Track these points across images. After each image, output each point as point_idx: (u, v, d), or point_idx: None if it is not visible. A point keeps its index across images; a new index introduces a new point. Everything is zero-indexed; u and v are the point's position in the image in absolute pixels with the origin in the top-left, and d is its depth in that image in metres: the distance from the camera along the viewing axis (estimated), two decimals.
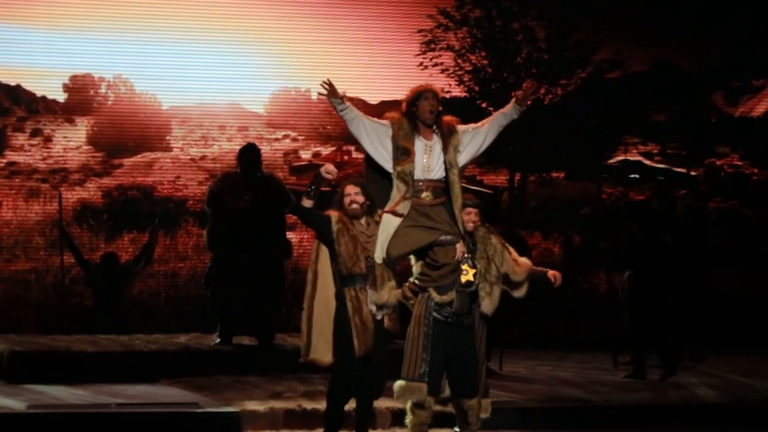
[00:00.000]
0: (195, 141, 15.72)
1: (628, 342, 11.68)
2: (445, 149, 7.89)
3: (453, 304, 7.74)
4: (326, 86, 7.90)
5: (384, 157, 7.94)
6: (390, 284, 7.77)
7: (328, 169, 7.78)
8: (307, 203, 7.79)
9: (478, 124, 8.05)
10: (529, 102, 8.02)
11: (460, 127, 8.00)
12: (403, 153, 7.85)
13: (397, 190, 7.87)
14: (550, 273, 8.08)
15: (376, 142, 7.94)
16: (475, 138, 8.00)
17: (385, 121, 7.97)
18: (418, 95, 7.91)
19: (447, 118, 7.99)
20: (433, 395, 7.76)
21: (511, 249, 8.00)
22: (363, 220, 7.87)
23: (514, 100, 8.02)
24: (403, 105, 7.98)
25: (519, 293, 8.05)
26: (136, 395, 9.62)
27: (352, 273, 7.77)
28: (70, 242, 13.47)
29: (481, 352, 7.95)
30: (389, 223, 7.79)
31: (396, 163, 7.87)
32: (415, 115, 7.91)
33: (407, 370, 7.70)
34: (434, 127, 7.93)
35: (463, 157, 7.98)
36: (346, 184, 7.94)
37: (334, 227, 7.79)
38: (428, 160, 7.88)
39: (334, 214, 7.85)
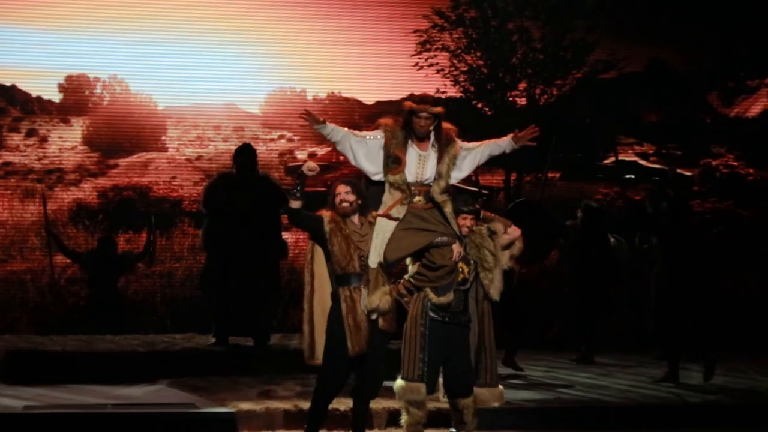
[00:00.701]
0: (190, 141, 15.71)
1: (660, 343, 11.58)
2: (439, 159, 7.88)
3: (450, 302, 7.75)
4: (306, 117, 7.90)
5: (374, 172, 7.92)
6: (383, 289, 7.73)
7: (310, 167, 7.76)
8: (295, 204, 7.76)
9: (472, 145, 8.03)
10: (523, 144, 8.04)
11: (459, 143, 7.98)
12: (393, 162, 7.82)
13: (390, 195, 7.85)
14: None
15: (363, 159, 7.90)
16: (468, 158, 7.99)
17: (375, 132, 7.94)
18: (414, 112, 7.83)
19: (446, 126, 7.96)
20: (429, 394, 7.78)
21: (497, 226, 7.95)
22: (356, 219, 7.86)
23: (512, 136, 8.02)
24: (404, 105, 7.94)
25: (517, 249, 8.03)
26: (132, 396, 9.62)
27: (346, 272, 7.77)
28: (57, 241, 13.46)
29: (491, 341, 7.92)
30: (384, 228, 7.78)
31: (387, 171, 7.85)
32: (409, 126, 7.88)
33: (406, 371, 7.71)
34: (431, 138, 7.91)
35: (455, 176, 7.97)
36: (337, 184, 7.94)
37: (327, 227, 7.78)
38: (422, 169, 7.87)
39: (326, 214, 7.84)
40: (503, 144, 8.03)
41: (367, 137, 7.91)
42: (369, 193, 7.96)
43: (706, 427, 9.56)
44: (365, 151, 7.90)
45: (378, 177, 7.92)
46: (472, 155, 8.00)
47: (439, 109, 7.84)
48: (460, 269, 7.79)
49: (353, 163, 7.97)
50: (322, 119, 7.91)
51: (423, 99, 7.89)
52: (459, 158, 7.92)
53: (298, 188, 7.74)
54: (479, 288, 7.87)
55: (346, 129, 8.02)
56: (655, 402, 10.11)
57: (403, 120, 7.88)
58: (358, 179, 8.10)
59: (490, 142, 8.06)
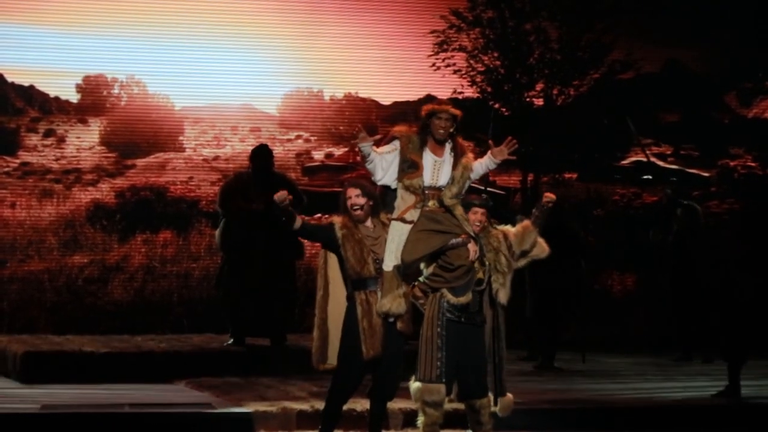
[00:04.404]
0: (207, 141, 15.74)
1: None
2: (454, 165, 7.89)
3: (468, 303, 7.74)
4: (358, 131, 7.84)
5: (380, 177, 7.92)
6: (395, 293, 7.69)
7: (280, 198, 7.65)
8: (296, 225, 7.71)
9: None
10: (504, 158, 8.04)
11: (472, 157, 8.01)
12: (410, 166, 7.83)
13: (402, 200, 7.86)
14: (544, 200, 8.06)
15: (380, 172, 7.91)
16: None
17: (390, 145, 7.94)
18: (433, 112, 7.87)
19: (462, 142, 7.97)
20: (447, 395, 7.77)
21: (508, 230, 7.96)
22: (368, 222, 7.84)
23: (489, 154, 8.03)
24: (422, 111, 7.96)
25: (540, 251, 8.02)
26: (149, 396, 9.65)
27: (361, 276, 7.74)
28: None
29: (503, 350, 7.90)
30: (399, 232, 7.77)
31: (403, 176, 7.85)
32: (427, 129, 7.90)
33: (424, 372, 7.68)
34: (447, 144, 7.92)
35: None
36: (346, 186, 7.91)
37: (339, 233, 7.74)
38: (437, 174, 7.88)
39: (337, 220, 7.80)
40: (485, 164, 8.06)
41: (385, 151, 7.91)
42: (385, 199, 7.96)
43: (721, 427, 9.53)
44: (384, 164, 7.91)
45: (383, 181, 7.90)
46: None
47: (458, 111, 7.90)
48: (476, 269, 7.78)
49: (373, 177, 7.96)
50: (372, 141, 7.87)
51: (442, 102, 7.98)
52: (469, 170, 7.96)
53: (284, 219, 7.66)
54: (490, 296, 7.85)
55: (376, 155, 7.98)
56: (673, 402, 10.09)
57: (421, 124, 7.90)
58: (370, 182, 8.07)
59: (475, 163, 8.06)
